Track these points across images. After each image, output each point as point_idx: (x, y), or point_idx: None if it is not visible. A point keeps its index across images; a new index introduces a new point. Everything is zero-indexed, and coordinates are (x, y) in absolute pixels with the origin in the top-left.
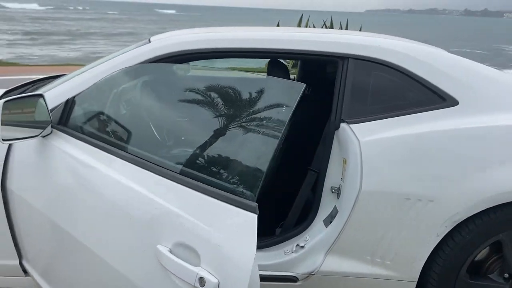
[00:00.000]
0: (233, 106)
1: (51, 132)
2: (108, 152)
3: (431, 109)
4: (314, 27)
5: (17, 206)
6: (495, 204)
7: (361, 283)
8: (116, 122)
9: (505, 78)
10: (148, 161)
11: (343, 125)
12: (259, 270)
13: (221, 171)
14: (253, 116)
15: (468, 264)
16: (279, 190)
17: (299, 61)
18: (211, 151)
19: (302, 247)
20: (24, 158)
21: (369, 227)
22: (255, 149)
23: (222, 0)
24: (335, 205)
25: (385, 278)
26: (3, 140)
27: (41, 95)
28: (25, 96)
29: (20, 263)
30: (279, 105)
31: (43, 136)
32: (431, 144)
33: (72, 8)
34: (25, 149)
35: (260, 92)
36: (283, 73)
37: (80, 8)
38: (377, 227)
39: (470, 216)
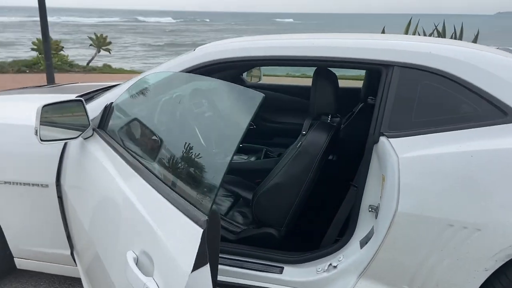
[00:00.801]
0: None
1: (92, 134)
2: (128, 163)
3: (488, 124)
4: (424, 31)
5: (67, 202)
6: None
7: None
8: (143, 130)
9: None
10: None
11: (382, 138)
12: (288, 286)
13: (184, 178)
14: (211, 125)
15: None
16: (320, 205)
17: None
18: (174, 159)
19: (335, 267)
20: (71, 156)
21: (406, 253)
22: (211, 161)
23: (338, 7)
24: (372, 226)
25: None
26: (42, 140)
27: (80, 100)
28: (64, 101)
29: (71, 254)
30: (237, 115)
31: (85, 138)
32: (483, 164)
33: (199, 20)
34: (73, 148)
35: (222, 101)
36: (330, 82)
37: (208, 20)
38: (415, 253)
39: None
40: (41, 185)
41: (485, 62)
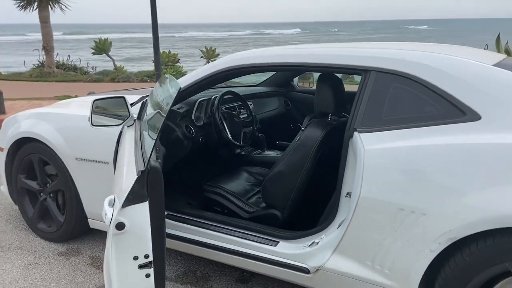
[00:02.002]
0: None
1: (133, 123)
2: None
3: (447, 123)
4: None
5: None
6: (495, 227)
7: (363, 287)
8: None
9: None
10: None
11: (355, 133)
12: (287, 260)
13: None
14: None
15: (474, 286)
16: (318, 191)
17: None
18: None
19: (317, 243)
20: (122, 141)
21: (367, 233)
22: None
23: (480, 11)
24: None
25: (385, 287)
26: (93, 125)
27: (123, 97)
28: (111, 97)
29: None
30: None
31: (128, 126)
32: (432, 157)
33: (323, 29)
34: (124, 135)
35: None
36: (331, 85)
37: (335, 30)
38: (375, 234)
39: (474, 238)
40: (104, 162)
41: (450, 66)
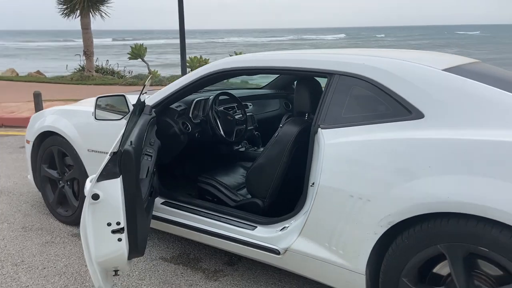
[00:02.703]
0: None
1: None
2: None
3: (395, 120)
4: None
5: None
6: (425, 212)
7: (323, 266)
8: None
9: (484, 93)
10: None
11: (319, 129)
12: (261, 242)
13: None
14: None
15: (411, 267)
16: (292, 183)
17: None
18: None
19: (287, 228)
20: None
21: (325, 218)
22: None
23: None
24: None
25: (340, 266)
26: (96, 119)
27: (123, 95)
28: (112, 95)
29: None
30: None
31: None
32: (378, 150)
33: (364, 35)
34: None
35: None
36: (308, 88)
37: (382, 35)
38: (330, 218)
39: (411, 222)
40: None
41: (402, 70)
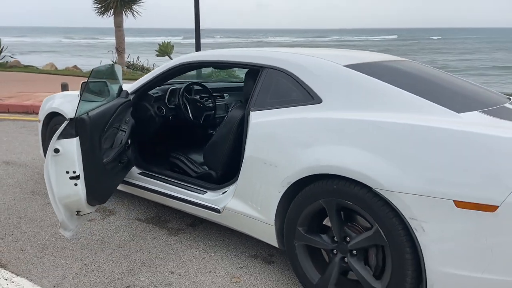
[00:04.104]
0: None
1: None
2: None
3: (302, 104)
4: None
5: None
6: (310, 174)
7: (249, 221)
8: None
9: (370, 85)
10: None
11: (250, 112)
12: (207, 203)
13: None
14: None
15: (303, 219)
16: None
17: None
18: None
19: (226, 191)
20: None
21: (248, 181)
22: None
23: None
24: None
25: (259, 220)
26: (82, 100)
27: (105, 81)
28: (96, 81)
29: None
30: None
31: None
32: (282, 127)
33: (427, 36)
34: None
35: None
36: (255, 80)
37: (437, 37)
38: (252, 182)
39: (304, 182)
40: None
41: (311, 64)
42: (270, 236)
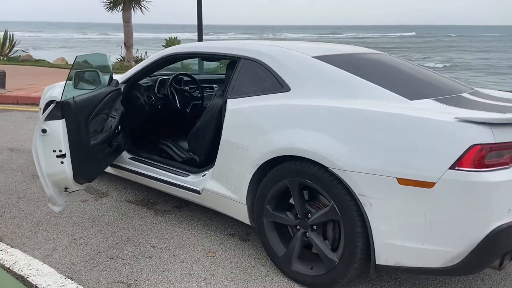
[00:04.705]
0: None
1: None
2: None
3: (273, 92)
4: None
5: None
6: (276, 156)
7: (225, 201)
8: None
9: (334, 75)
10: None
11: (227, 99)
12: (189, 185)
13: None
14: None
15: (271, 197)
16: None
17: None
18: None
19: (206, 174)
20: None
21: (224, 164)
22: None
23: None
24: None
25: (233, 199)
26: (75, 87)
27: (96, 71)
28: (89, 70)
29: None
30: None
31: None
32: (254, 113)
33: (447, 34)
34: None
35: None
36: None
37: (453, 35)
38: (226, 164)
39: (271, 164)
40: None
41: (282, 55)
42: (242, 214)
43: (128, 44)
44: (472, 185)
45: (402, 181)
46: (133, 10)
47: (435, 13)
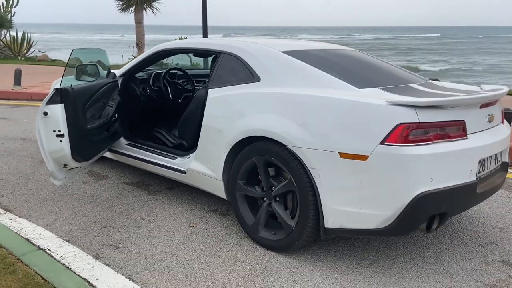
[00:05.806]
0: None
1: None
2: None
3: (246, 83)
4: None
5: None
6: (245, 137)
7: (206, 179)
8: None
9: (299, 67)
10: None
11: (208, 89)
12: (176, 166)
13: None
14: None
15: (242, 174)
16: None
17: None
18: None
19: (190, 157)
20: None
21: (205, 145)
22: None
23: None
24: None
25: (212, 177)
26: (76, 79)
27: (95, 64)
28: (89, 64)
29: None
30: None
31: None
32: (228, 100)
33: (471, 35)
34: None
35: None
36: None
37: (480, 36)
38: (208, 146)
39: (242, 144)
40: None
41: (255, 50)
42: (220, 190)
43: (140, 44)
44: (398, 157)
45: (342, 155)
46: (145, 11)
47: (460, 14)
